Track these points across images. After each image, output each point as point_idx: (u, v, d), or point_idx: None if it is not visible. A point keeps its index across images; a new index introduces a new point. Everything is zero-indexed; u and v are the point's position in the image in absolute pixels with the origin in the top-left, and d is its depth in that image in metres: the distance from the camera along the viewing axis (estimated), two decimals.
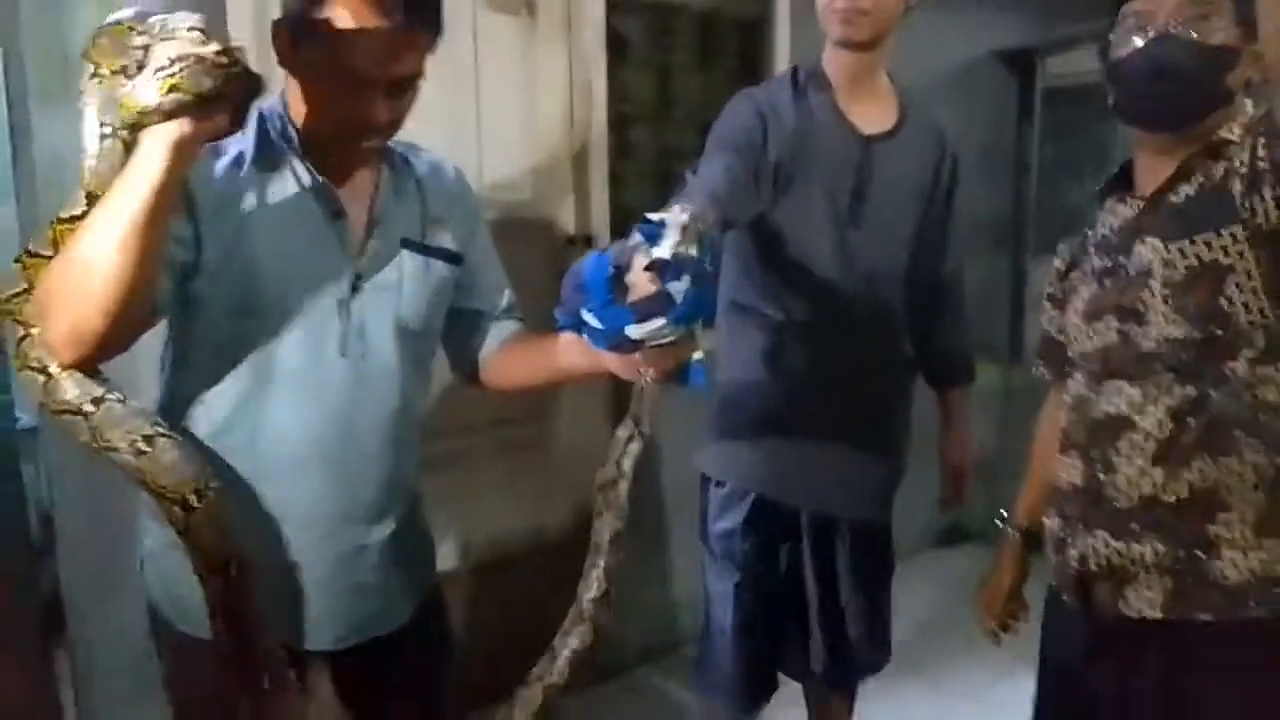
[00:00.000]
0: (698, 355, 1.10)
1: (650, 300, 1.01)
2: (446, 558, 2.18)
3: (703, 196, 1.45)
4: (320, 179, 1.16)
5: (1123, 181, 1.35)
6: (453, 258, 1.28)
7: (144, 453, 1.00)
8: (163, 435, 1.02)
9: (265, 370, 1.14)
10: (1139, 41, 1.22)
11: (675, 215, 1.04)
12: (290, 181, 1.15)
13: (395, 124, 1.17)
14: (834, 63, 1.70)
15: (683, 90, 2.72)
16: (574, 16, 2.45)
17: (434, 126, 2.26)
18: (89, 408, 0.99)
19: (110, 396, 1.00)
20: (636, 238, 1.06)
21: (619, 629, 2.48)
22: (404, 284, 1.22)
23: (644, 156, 2.68)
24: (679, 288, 1.01)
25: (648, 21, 2.61)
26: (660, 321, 1.01)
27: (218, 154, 1.12)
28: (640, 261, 1.03)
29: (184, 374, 1.17)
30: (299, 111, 1.16)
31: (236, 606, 1.06)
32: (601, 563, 1.17)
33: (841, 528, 1.82)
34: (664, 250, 1.02)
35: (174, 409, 1.16)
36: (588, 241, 2.46)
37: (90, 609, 1.85)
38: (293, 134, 1.16)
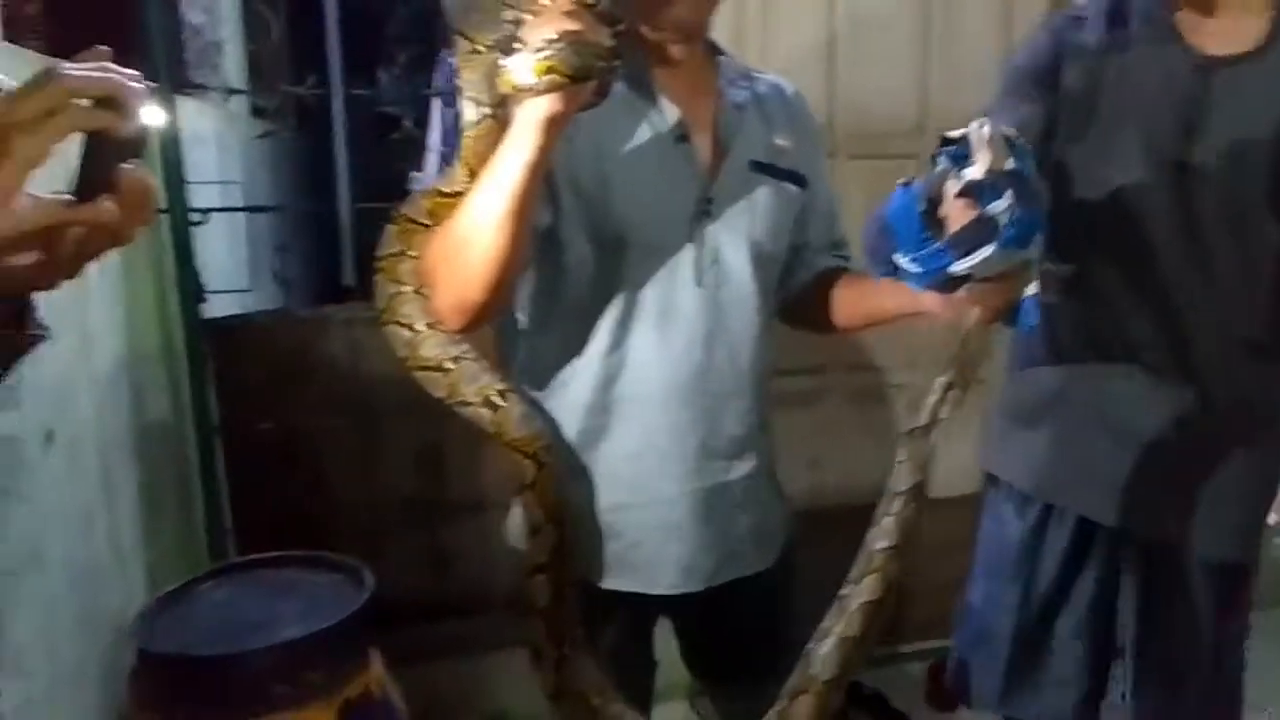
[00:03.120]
0: (1032, 289, 0.98)
1: (971, 229, 0.90)
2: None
3: None
4: (664, 101, 1.15)
5: None
6: (798, 179, 1.24)
7: (499, 407, 1.05)
8: (511, 391, 1.07)
9: (626, 306, 1.14)
10: None
11: (976, 129, 0.92)
12: (634, 109, 1.14)
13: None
14: None
15: None
16: None
17: (899, 62, 2.27)
18: (449, 365, 1.05)
19: (466, 355, 1.06)
20: (943, 163, 0.96)
21: None
22: (756, 206, 1.19)
23: None
24: (1001, 207, 0.90)
25: None
26: (988, 251, 0.90)
27: None
28: (952, 188, 0.92)
29: (548, 324, 1.18)
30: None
31: (559, 564, 1.09)
32: (895, 511, 1.08)
33: (1177, 562, 1.42)
34: (976, 170, 0.91)
35: (537, 363, 1.19)
36: None
37: None
38: (639, 59, 1.15)
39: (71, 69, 0.64)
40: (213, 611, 1.43)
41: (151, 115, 0.71)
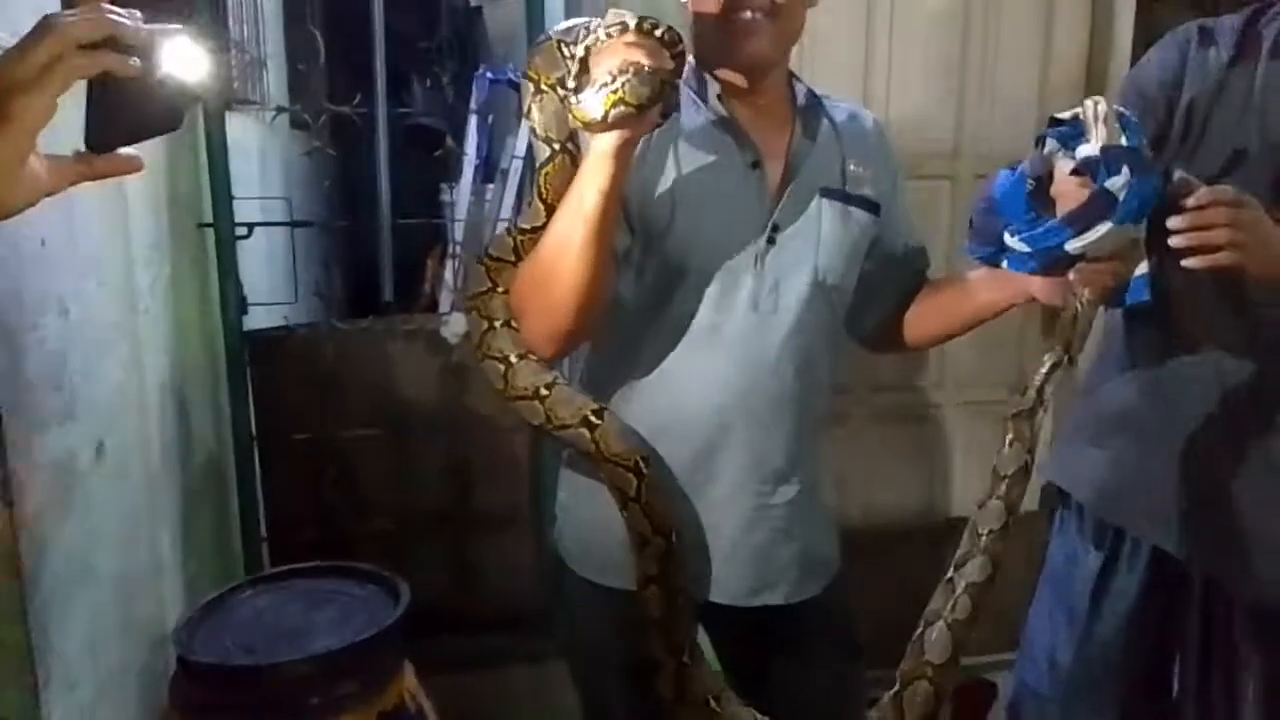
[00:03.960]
0: (1142, 268, 0.99)
1: (1088, 206, 0.91)
2: None
3: None
4: (738, 128, 1.16)
5: None
6: (872, 207, 1.23)
7: (596, 425, 1.08)
8: (605, 409, 1.09)
9: (680, 326, 1.15)
10: None
11: (1091, 106, 0.94)
12: (710, 138, 1.15)
13: (778, 37, 1.14)
14: None
15: None
16: None
17: (937, 85, 2.26)
18: (544, 391, 1.08)
19: (558, 381, 1.09)
20: (1051, 144, 0.97)
21: None
22: (822, 235, 1.18)
23: None
24: (1119, 182, 0.91)
25: None
26: (1105, 227, 0.92)
27: None
28: (1064, 167, 0.93)
29: (605, 342, 1.20)
30: (704, 55, 1.16)
31: (672, 572, 1.09)
32: (1001, 495, 1.10)
33: (1243, 603, 1.37)
34: (1092, 147, 0.93)
35: (594, 381, 1.21)
36: None
37: None
38: (706, 82, 1.17)
39: (67, 15, 0.59)
40: (251, 620, 1.45)
41: (183, 63, 0.65)
